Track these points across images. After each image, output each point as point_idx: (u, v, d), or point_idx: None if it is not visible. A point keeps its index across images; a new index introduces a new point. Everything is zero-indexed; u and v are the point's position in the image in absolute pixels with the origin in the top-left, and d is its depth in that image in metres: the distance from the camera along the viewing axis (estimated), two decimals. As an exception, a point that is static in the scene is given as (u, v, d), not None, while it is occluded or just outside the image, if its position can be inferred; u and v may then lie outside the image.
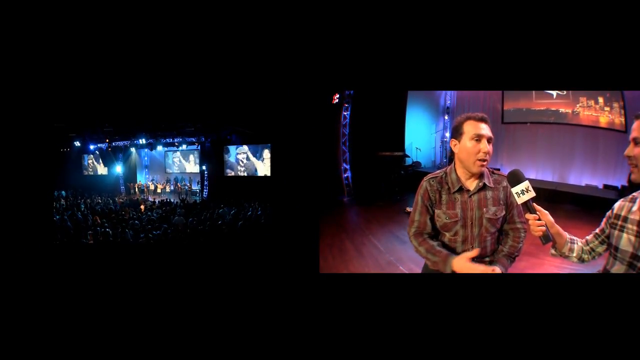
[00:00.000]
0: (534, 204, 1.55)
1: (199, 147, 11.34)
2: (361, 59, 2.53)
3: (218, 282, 2.61)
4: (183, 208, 7.64)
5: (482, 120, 1.70)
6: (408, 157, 7.63)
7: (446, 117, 8.32)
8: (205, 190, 10.88)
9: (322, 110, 6.32)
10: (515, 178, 1.56)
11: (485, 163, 1.69)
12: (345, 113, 6.85)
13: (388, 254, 4.18)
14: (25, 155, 2.69)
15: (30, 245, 2.64)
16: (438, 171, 1.82)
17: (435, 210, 1.77)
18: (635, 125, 1.40)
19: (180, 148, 11.76)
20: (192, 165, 12.39)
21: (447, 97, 8.29)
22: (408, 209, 5.71)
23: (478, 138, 1.67)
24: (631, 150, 1.39)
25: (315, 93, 2.74)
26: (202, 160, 11.18)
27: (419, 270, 2.15)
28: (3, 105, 2.62)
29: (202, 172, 11.12)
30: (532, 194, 1.53)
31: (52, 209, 5.75)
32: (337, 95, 6.65)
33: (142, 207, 7.86)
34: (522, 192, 1.54)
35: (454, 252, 1.78)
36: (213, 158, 10.78)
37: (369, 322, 2.36)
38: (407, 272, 3.69)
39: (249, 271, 2.67)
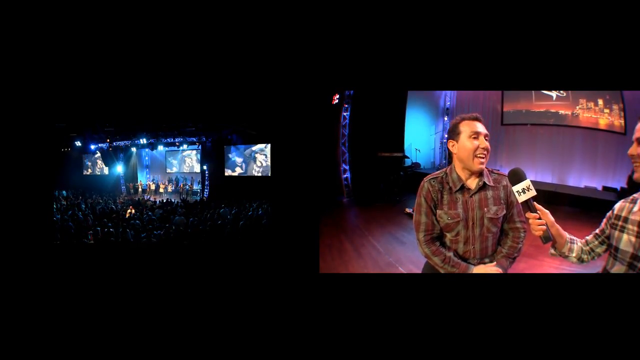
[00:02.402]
0: (535, 203, 1.55)
1: (199, 147, 11.34)
2: (361, 59, 2.53)
3: (219, 282, 2.61)
4: (184, 208, 7.64)
5: (476, 119, 1.74)
6: (407, 158, 7.64)
7: (446, 119, 8.32)
8: (206, 190, 10.88)
9: (322, 110, 6.32)
10: (516, 176, 1.56)
11: (484, 160, 1.70)
12: (345, 114, 6.86)
13: (387, 255, 4.18)
14: (26, 155, 2.68)
15: (31, 245, 2.63)
16: (438, 172, 1.82)
17: (437, 211, 1.77)
18: (638, 126, 1.40)
19: (181, 148, 11.77)
20: (197, 165, 12.37)
21: (447, 98, 8.29)
22: (407, 210, 5.71)
23: (476, 135, 1.70)
24: (634, 149, 1.40)
25: (315, 93, 2.74)
26: (203, 160, 11.17)
27: (418, 272, 2.15)
28: (3, 105, 2.62)
29: (202, 171, 11.13)
30: (533, 192, 1.53)
31: (52, 208, 5.75)
32: (337, 96, 6.66)
33: (131, 210, 7.48)
34: (523, 191, 1.54)
35: (456, 252, 1.78)
36: (214, 158, 10.77)
37: (368, 322, 2.36)
38: (406, 273, 3.69)
39: (250, 270, 2.66)
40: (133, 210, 7.40)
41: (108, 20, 2.54)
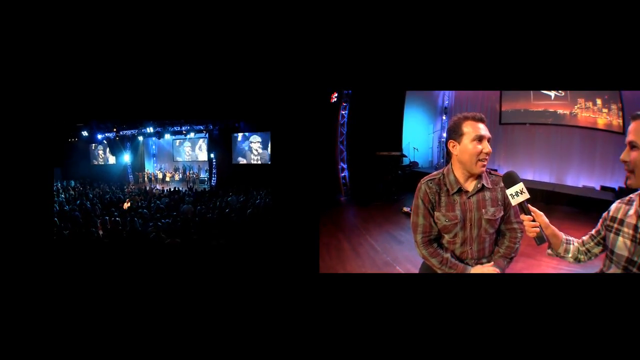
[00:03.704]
0: (529, 205, 1.55)
1: (207, 135, 11.20)
2: (359, 59, 2.52)
3: (220, 281, 2.60)
4: (191, 196, 7.59)
5: (481, 120, 1.68)
6: (405, 157, 7.62)
7: (444, 117, 8.32)
8: (213, 178, 10.76)
9: (321, 109, 6.31)
10: (510, 180, 1.55)
11: (486, 164, 1.69)
12: (343, 112, 6.85)
13: (385, 254, 4.18)
14: (31, 147, 2.65)
15: (38, 236, 2.61)
16: (435, 173, 1.79)
17: (435, 213, 1.75)
18: (631, 127, 1.34)
19: (188, 136, 11.65)
20: (204, 154, 12.23)
21: (445, 97, 8.29)
22: (405, 209, 5.71)
23: (479, 139, 1.65)
24: (627, 154, 1.34)
25: (314, 92, 2.71)
26: (211, 148, 11.01)
27: (415, 271, 2.14)
28: (7, 97, 2.58)
29: (210, 159, 10.97)
30: (527, 195, 1.53)
31: (52, 199, 5.69)
32: (336, 94, 6.65)
33: (126, 204, 7.19)
34: (516, 194, 1.54)
35: (453, 253, 1.78)
36: (221, 146, 10.62)
37: (368, 322, 2.35)
38: (403, 272, 3.69)
39: (251, 271, 2.66)
40: (128, 204, 7.23)
41: (114, 12, 2.51)
